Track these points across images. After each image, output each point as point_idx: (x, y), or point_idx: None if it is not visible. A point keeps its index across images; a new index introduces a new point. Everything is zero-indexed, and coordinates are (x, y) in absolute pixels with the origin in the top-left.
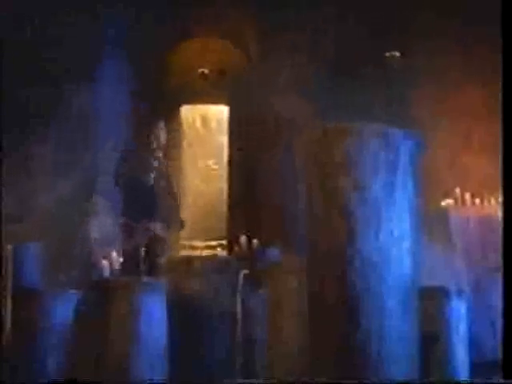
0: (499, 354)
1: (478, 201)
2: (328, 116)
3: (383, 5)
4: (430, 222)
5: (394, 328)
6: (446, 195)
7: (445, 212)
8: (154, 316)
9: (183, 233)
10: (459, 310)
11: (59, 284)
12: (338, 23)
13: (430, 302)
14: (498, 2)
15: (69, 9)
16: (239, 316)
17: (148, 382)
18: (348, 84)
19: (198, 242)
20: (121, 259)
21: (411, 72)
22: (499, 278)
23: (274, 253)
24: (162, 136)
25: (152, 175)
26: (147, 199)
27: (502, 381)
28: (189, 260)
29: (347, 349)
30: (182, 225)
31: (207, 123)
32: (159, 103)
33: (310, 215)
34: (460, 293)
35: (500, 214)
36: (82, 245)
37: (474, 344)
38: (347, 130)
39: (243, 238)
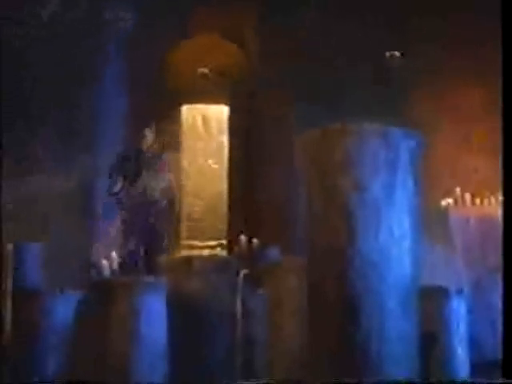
0: (499, 354)
1: (478, 201)
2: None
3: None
4: (430, 222)
5: (394, 328)
6: (446, 195)
7: (445, 212)
8: (154, 316)
9: (183, 232)
10: (459, 309)
11: (59, 284)
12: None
13: (429, 301)
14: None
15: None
16: (239, 316)
17: (148, 382)
18: (348, 84)
19: (198, 242)
20: (120, 258)
21: (412, 72)
22: (499, 277)
23: (274, 252)
24: (162, 136)
25: (152, 175)
26: (147, 199)
27: (501, 381)
28: (189, 260)
29: (347, 349)
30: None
31: (207, 123)
32: (159, 103)
33: (309, 215)
34: (460, 292)
35: (500, 213)
36: (82, 244)
37: (473, 344)
38: (347, 129)
39: (243, 238)
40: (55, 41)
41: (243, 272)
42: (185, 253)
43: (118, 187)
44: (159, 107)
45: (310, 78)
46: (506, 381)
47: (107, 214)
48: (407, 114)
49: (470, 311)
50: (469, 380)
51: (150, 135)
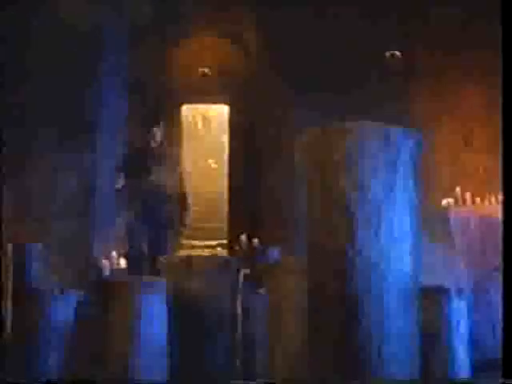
0: (499, 354)
1: (478, 200)
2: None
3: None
4: (431, 222)
5: (394, 328)
6: (447, 195)
7: (445, 211)
8: (154, 316)
9: (184, 232)
10: (459, 309)
11: (59, 284)
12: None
13: (430, 301)
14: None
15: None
16: (239, 316)
17: (148, 382)
18: (349, 84)
19: (199, 242)
20: (122, 259)
21: (412, 72)
22: (499, 277)
23: (274, 252)
24: (164, 135)
25: (155, 175)
26: (151, 199)
27: (501, 381)
28: (189, 260)
29: (347, 349)
30: (183, 225)
31: (207, 123)
32: (159, 103)
33: (309, 215)
34: (460, 292)
35: (500, 213)
36: (82, 244)
37: (474, 343)
38: (347, 129)
39: (243, 238)
40: (55, 41)
41: (243, 272)
42: (185, 252)
43: (120, 184)
44: (159, 107)
45: (310, 78)
46: (506, 381)
47: (108, 213)
48: (407, 114)
49: (470, 311)
50: (469, 380)
51: (157, 133)
